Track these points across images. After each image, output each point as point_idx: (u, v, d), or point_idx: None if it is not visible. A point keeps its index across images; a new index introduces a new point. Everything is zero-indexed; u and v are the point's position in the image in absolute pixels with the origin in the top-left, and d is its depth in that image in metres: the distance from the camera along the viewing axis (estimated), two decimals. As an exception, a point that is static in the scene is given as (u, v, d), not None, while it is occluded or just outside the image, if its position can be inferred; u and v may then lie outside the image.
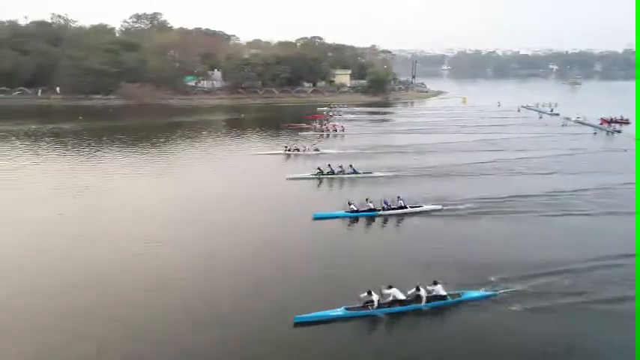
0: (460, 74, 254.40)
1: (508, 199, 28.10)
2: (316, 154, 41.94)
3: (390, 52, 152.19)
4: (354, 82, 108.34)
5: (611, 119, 62.18)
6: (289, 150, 42.42)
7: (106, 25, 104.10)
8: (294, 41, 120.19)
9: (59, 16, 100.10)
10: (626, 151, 45.25)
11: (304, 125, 58.78)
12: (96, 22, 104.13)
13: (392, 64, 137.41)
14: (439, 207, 26.18)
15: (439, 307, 16.17)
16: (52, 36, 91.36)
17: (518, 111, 79.68)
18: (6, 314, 15.76)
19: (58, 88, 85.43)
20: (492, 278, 17.80)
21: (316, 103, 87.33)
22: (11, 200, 28.09)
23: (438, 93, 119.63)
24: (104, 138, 48.78)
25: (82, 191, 29.63)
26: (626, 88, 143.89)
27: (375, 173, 34.37)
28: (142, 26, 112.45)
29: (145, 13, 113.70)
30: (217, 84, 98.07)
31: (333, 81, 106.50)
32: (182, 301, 16.52)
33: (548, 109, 78.27)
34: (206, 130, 57.30)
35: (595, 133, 56.37)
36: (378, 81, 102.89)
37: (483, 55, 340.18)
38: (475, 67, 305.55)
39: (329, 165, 34.47)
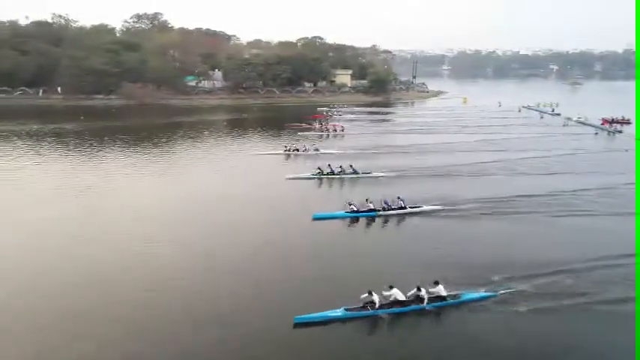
0: (460, 74, 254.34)
1: (509, 199, 28.05)
2: (316, 154, 41.90)
3: (390, 52, 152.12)
4: (354, 82, 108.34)
5: (613, 119, 62.08)
6: (289, 150, 42.38)
7: (106, 25, 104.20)
8: (294, 41, 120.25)
9: (60, 16, 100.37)
10: (627, 151, 45.19)
11: (304, 125, 58.77)
12: (96, 22, 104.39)
13: (392, 64, 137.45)
14: (440, 207, 26.13)
15: (439, 307, 16.14)
16: (52, 36, 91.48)
17: (519, 111, 79.61)
18: (6, 314, 15.75)
19: (59, 88, 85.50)
20: (493, 278, 17.77)
21: (317, 103, 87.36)
22: (13, 200, 28.10)
23: (438, 93, 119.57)
24: (106, 138, 48.81)
25: (83, 191, 29.63)
26: (626, 88, 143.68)
27: (375, 173, 34.32)
28: (143, 26, 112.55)
29: (145, 13, 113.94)
30: (218, 84, 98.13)
31: (334, 81, 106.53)
32: (182, 301, 16.51)
33: (549, 109, 78.21)
34: (207, 130, 57.35)
35: (596, 134, 56.30)
36: (379, 81, 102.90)
37: (483, 55, 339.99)
38: (475, 67, 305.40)
39: (329, 165, 34.43)
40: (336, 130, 56.12)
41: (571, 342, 14.47)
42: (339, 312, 15.48)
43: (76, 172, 34.87)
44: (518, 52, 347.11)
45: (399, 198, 26.00)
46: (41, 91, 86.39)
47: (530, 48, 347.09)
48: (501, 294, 16.68)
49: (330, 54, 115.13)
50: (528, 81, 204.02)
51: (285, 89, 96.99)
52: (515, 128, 59.87)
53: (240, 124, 63.36)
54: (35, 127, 55.76)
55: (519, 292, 16.85)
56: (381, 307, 15.75)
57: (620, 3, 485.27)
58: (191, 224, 24.05)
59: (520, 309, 15.90)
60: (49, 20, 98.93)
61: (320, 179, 33.57)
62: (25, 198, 28.40)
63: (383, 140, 51.09)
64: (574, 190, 29.91)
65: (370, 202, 25.58)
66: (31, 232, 22.68)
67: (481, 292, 16.74)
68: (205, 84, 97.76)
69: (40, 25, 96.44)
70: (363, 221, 24.97)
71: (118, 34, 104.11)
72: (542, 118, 71.94)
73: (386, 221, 24.99)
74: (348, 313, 15.52)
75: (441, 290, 16.30)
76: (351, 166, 34.52)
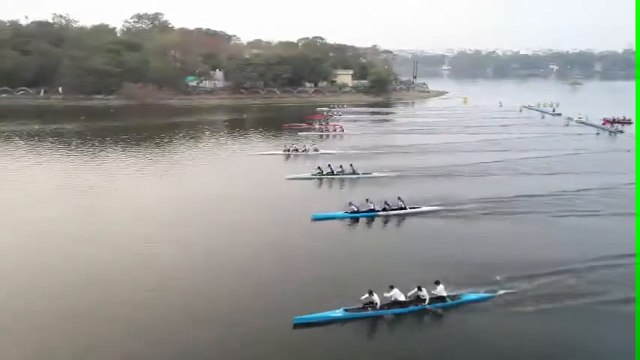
0: (460, 74, 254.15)
1: (510, 199, 28.00)
2: (316, 154, 41.86)
3: (391, 52, 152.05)
4: (355, 82, 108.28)
5: (614, 119, 61.98)
6: (289, 150, 42.33)
7: (107, 25, 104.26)
8: (295, 41, 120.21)
9: (61, 16, 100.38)
10: (629, 151, 45.12)
11: (304, 125, 58.76)
12: (96, 22, 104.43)
13: (393, 64, 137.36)
14: (440, 207, 26.06)
15: (439, 308, 16.09)
16: (53, 36, 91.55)
17: (520, 111, 79.53)
18: (6, 314, 15.74)
19: (60, 88, 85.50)
20: (493, 279, 17.72)
21: (318, 104, 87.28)
22: (13, 200, 28.10)
23: (439, 93, 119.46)
24: (107, 138, 48.86)
25: (85, 191, 29.62)
26: (626, 88, 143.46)
27: (375, 174, 34.24)
28: (144, 26, 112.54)
29: (146, 14, 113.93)
30: (219, 84, 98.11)
31: (334, 81, 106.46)
32: (182, 301, 16.50)
33: (550, 109, 78.10)
34: (208, 131, 57.38)
35: (598, 134, 56.23)
36: (380, 81, 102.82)
37: (483, 55, 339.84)
38: (475, 67, 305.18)
39: (329, 165, 34.38)
40: (335, 130, 56.06)
41: (571, 342, 14.43)
42: (338, 312, 15.46)
43: (78, 172, 34.89)
44: (519, 52, 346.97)
45: (399, 198, 25.94)
46: (42, 91, 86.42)
47: (530, 48, 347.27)
48: (501, 294, 16.65)
49: (331, 54, 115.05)
50: (528, 81, 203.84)
51: (286, 89, 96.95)
52: (516, 128, 59.80)
53: (240, 124, 63.35)
54: (36, 127, 55.86)
55: (519, 292, 16.82)
56: (381, 307, 15.72)
57: (620, 3, 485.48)
58: (191, 224, 24.03)
59: (520, 309, 15.87)
60: (50, 20, 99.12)
61: (320, 179, 33.52)
62: (25, 198, 28.39)
63: (384, 140, 51.05)
64: (575, 190, 29.84)
65: (370, 203, 25.53)
66: (32, 232, 22.69)
67: (481, 293, 16.70)
68: (206, 84, 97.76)
69: (41, 25, 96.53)
70: (363, 221, 24.92)
71: (118, 34, 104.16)
72: (543, 118, 71.86)
73: (386, 222, 24.94)
74: (348, 313, 15.50)
75: (441, 290, 16.26)
76: (351, 165, 34.46)
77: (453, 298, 16.42)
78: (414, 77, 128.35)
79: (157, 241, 21.68)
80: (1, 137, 48.76)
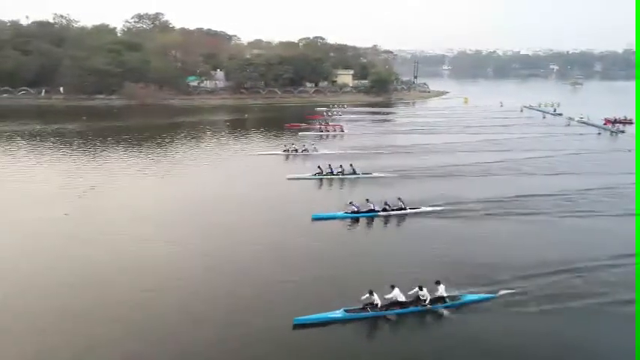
0: (461, 74, 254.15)
1: (512, 199, 27.92)
2: (316, 154, 41.80)
3: (391, 52, 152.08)
4: (356, 82, 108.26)
5: (615, 119, 61.94)
6: (288, 150, 42.28)
7: (107, 25, 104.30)
8: (296, 41, 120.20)
9: (61, 17, 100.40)
10: (630, 151, 45.08)
11: (304, 125, 58.72)
12: (96, 22, 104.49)
13: (393, 64, 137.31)
14: (441, 208, 25.99)
15: (440, 309, 16.06)
16: (54, 36, 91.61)
17: (521, 111, 79.50)
18: (5, 314, 15.72)
19: (61, 88, 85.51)
20: (493, 279, 17.70)
21: (318, 104, 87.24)
22: (13, 200, 28.08)
23: (439, 93, 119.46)
24: (109, 138, 48.87)
25: (87, 191, 29.52)
26: (626, 88, 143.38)
27: (375, 174, 34.16)
28: (144, 26, 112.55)
29: (146, 14, 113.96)
30: (220, 84, 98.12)
31: (335, 81, 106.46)
32: (180, 301, 16.46)
33: (550, 109, 78.07)
34: (209, 131, 57.47)
35: (599, 134, 56.17)
36: (381, 81, 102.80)
37: (484, 55, 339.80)
38: (475, 67, 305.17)
39: (329, 165, 34.33)
40: (335, 130, 56.07)
41: (571, 342, 14.40)
42: (338, 313, 15.41)
43: (79, 172, 34.81)
44: (519, 52, 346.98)
45: (399, 199, 25.87)
46: (43, 91, 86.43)
47: (530, 48, 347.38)
48: (502, 295, 16.60)
49: (332, 54, 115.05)
50: (529, 81, 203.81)
51: (287, 89, 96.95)
52: (517, 128, 59.73)
53: (241, 125, 63.31)
54: (38, 127, 55.95)
55: (520, 292, 16.77)
56: (382, 308, 15.66)
57: (620, 3, 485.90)
58: (190, 224, 23.98)
59: (521, 309, 15.83)
60: (51, 20, 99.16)
61: (320, 179, 33.48)
62: (24, 198, 28.35)
63: (384, 140, 50.94)
64: (577, 191, 29.75)
65: (370, 203, 25.46)
66: (29, 232, 22.65)
67: (482, 294, 16.64)
68: (207, 84, 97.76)
69: (41, 25, 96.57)
70: (363, 222, 24.86)
71: (119, 34, 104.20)
72: (544, 118, 71.79)
73: (386, 222, 24.87)
74: (348, 314, 15.44)
75: (442, 290, 16.21)
76: (351, 165, 34.41)
77: (453, 298, 16.36)
78: (415, 77, 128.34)
79: (154, 241, 21.61)
80: (2, 137, 48.80)
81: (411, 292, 16.13)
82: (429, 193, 28.79)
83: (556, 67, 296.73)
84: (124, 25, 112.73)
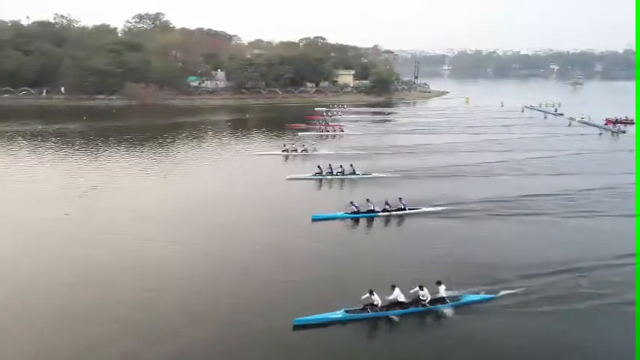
0: (461, 74, 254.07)
1: (513, 199, 27.91)
2: (316, 154, 41.76)
3: (392, 52, 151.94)
4: (357, 82, 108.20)
5: (616, 119, 61.93)
6: (287, 150, 42.23)
7: (108, 26, 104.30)
8: (297, 41, 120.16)
9: (62, 17, 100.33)
10: (632, 151, 45.08)
11: (305, 125, 58.72)
12: (97, 22, 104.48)
13: (394, 64, 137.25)
14: (441, 208, 25.93)
15: (440, 309, 16.05)
16: (55, 36, 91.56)
17: (522, 111, 79.45)
18: (5, 314, 15.74)
19: (62, 89, 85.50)
20: (494, 279, 17.69)
21: (319, 104, 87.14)
22: (14, 200, 28.10)
23: (440, 93, 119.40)
24: (110, 138, 48.90)
25: (88, 191, 29.54)
26: (627, 89, 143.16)
27: (376, 174, 34.08)
28: (145, 26, 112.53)
29: (147, 14, 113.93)
30: (221, 84, 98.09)
31: (336, 81, 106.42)
32: (181, 301, 16.47)
33: (552, 110, 78.00)
34: (211, 131, 57.48)
35: (600, 134, 56.10)
36: (381, 81, 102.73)
37: (484, 55, 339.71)
38: (476, 67, 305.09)
39: (329, 165, 34.29)
40: (335, 130, 56.05)
41: (571, 343, 14.41)
42: (339, 314, 15.40)
43: (81, 172, 34.82)
44: (519, 52, 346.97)
45: (400, 199, 25.83)
46: (44, 91, 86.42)
47: (530, 48, 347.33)
48: (503, 295, 16.59)
49: (333, 54, 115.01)
50: (529, 81, 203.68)
51: (288, 89, 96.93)
52: (518, 128, 59.70)
53: (243, 125, 63.25)
54: (39, 127, 55.97)
55: (521, 293, 16.76)
56: (382, 308, 15.64)
57: (620, 3, 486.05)
58: (190, 224, 24.00)
59: (521, 310, 15.82)
60: (52, 20, 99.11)
61: (320, 180, 33.44)
62: (25, 198, 28.38)
63: (385, 140, 50.95)
64: (578, 191, 29.75)
65: (370, 203, 25.43)
66: (30, 232, 22.68)
67: (481, 294, 16.62)
68: (208, 84, 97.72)
69: (42, 25, 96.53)
70: (363, 222, 24.83)
71: (119, 35, 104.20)
72: (545, 118, 71.71)
73: (386, 222, 24.85)
74: (349, 315, 15.42)
75: (442, 290, 16.20)
76: (351, 166, 34.37)
77: (454, 298, 16.34)
78: (416, 77, 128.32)
79: (155, 241, 21.64)
80: (4, 137, 48.83)
81: (412, 291, 16.12)
82: (430, 193, 28.76)
83: (556, 67, 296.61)
84: (124, 25, 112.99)
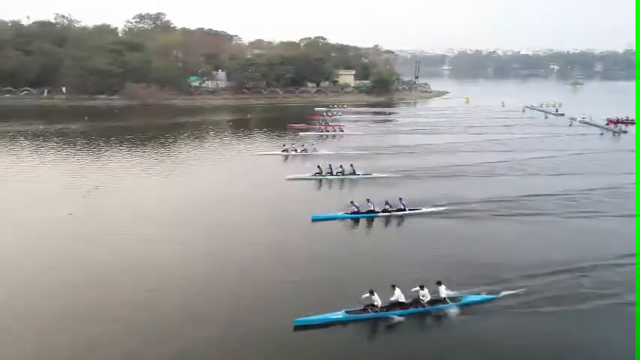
0: (461, 74, 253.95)
1: (514, 199, 27.92)
2: (315, 154, 41.75)
3: (393, 52, 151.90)
4: (357, 82, 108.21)
5: (618, 119, 61.93)
6: (287, 150, 42.22)
7: (109, 26, 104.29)
8: (297, 41, 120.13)
9: (63, 17, 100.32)
10: (633, 151, 45.11)
11: (305, 125, 58.74)
12: (98, 22, 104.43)
13: (395, 64, 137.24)
14: (442, 208, 25.91)
15: (441, 310, 16.05)
16: (56, 36, 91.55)
17: (523, 111, 79.45)
18: (6, 314, 15.76)
19: (64, 89, 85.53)
20: (495, 280, 17.68)
21: (320, 104, 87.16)
22: (16, 200, 28.13)
23: (440, 93, 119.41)
24: (112, 138, 48.97)
25: (91, 191, 29.56)
26: (627, 89, 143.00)
27: (376, 174, 34.06)
28: (145, 26, 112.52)
29: (148, 14, 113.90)
30: (222, 84, 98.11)
31: (336, 81, 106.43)
32: (182, 301, 16.50)
33: (552, 110, 77.96)
34: (212, 131, 57.53)
35: (602, 134, 56.10)
36: (382, 81, 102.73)
37: (484, 55, 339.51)
38: (476, 67, 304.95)
39: (329, 165, 34.28)
40: (335, 130, 56.04)
41: (571, 343, 14.42)
42: (339, 314, 15.40)
43: (83, 172, 34.88)
44: (519, 52, 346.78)
45: (400, 199, 25.81)
46: (46, 91, 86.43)
47: (530, 48, 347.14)
48: (504, 295, 16.59)
49: (333, 54, 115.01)
50: (529, 81, 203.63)
51: (289, 89, 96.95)
52: (519, 128, 59.70)
53: (244, 125, 63.29)
54: (41, 127, 56.01)
55: (522, 293, 16.76)
56: (383, 309, 15.64)
57: (620, 3, 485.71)
58: (191, 224, 24.03)
59: (522, 310, 15.83)
60: (52, 20, 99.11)
61: (320, 180, 33.43)
62: (31, 197, 28.41)
63: (385, 140, 50.96)
64: (580, 191, 29.75)
65: (370, 204, 25.42)
66: (32, 232, 22.70)
67: (482, 295, 16.62)
68: (209, 84, 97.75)
69: (43, 25, 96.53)
70: (363, 222, 24.83)
71: (120, 35, 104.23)
72: (546, 118, 71.70)
73: (387, 222, 24.84)
74: (349, 315, 15.43)
75: (442, 291, 16.20)
76: (351, 166, 34.35)
77: (454, 299, 16.33)
78: (416, 77, 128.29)
79: (157, 241, 21.66)
80: (6, 137, 48.88)
81: (412, 290, 16.13)
82: (431, 193, 28.75)
83: (556, 67, 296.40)
84: (125, 25, 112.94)
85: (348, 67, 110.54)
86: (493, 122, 65.42)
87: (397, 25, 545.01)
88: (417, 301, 16.02)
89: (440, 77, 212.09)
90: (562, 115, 72.38)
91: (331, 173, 33.85)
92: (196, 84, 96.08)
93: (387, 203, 25.42)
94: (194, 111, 76.62)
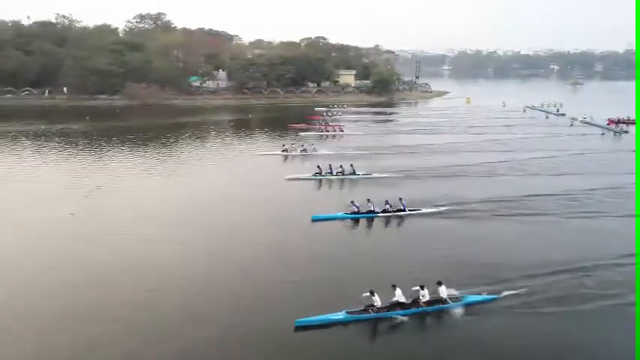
0: (461, 74, 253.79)
1: (515, 199, 27.90)
2: (315, 154, 41.72)
3: (393, 52, 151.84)
4: (358, 82, 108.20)
5: (619, 119, 61.88)
6: (287, 150, 42.21)
7: (109, 26, 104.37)
8: (298, 41, 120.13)
9: (63, 17, 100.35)
10: (634, 151, 45.06)
11: (306, 125, 58.76)
12: (98, 22, 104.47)
13: (395, 64, 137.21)
14: (442, 209, 25.87)
15: (441, 310, 16.03)
16: (56, 36, 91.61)
17: (524, 111, 79.39)
18: (6, 314, 15.76)
19: (65, 89, 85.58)
20: (496, 280, 17.66)
21: (321, 104, 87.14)
22: (17, 200, 28.16)
23: (441, 93, 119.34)
24: (114, 138, 49.02)
25: (93, 191, 29.58)
26: (627, 89, 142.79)
27: (375, 174, 34.03)
28: (146, 26, 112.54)
29: (148, 14, 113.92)
30: (222, 84, 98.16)
31: (337, 81, 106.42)
32: (182, 301, 16.49)
33: (553, 110, 77.90)
34: (214, 131, 57.60)
35: (603, 134, 56.07)
36: (383, 81, 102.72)
37: (484, 55, 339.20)
38: (476, 67, 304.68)
39: (329, 165, 34.25)
40: (335, 130, 56.02)
41: (571, 343, 14.41)
42: (340, 315, 15.38)
43: (85, 172, 34.93)
44: (519, 52, 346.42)
45: (400, 199, 25.77)
46: (47, 91, 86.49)
47: (530, 48, 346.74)
48: (504, 295, 16.57)
49: (334, 54, 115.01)
50: (529, 81, 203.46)
51: (289, 89, 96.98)
52: (520, 128, 59.66)
53: (245, 125, 63.30)
54: (43, 127, 56.05)
55: (522, 293, 16.74)
56: (383, 309, 15.62)
57: (620, 3, 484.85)
58: (192, 224, 24.03)
59: (523, 310, 15.81)
60: (53, 20, 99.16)
61: (320, 180, 33.40)
62: (32, 197, 28.44)
63: (386, 140, 50.94)
64: (581, 191, 29.73)
65: (370, 204, 25.39)
66: (32, 232, 22.71)
67: (483, 295, 16.59)
68: (209, 84, 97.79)
69: (43, 25, 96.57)
70: (363, 222, 24.81)
71: (121, 35, 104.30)
72: (547, 118, 71.65)
73: (387, 222, 24.82)
74: (350, 316, 15.41)
75: (443, 291, 16.17)
76: (351, 166, 34.32)
77: (455, 299, 16.30)
78: (417, 77, 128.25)
79: (157, 240, 21.67)
80: (8, 137, 48.92)
81: (413, 289, 16.11)
82: (431, 193, 28.73)
83: (556, 67, 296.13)
84: (125, 25, 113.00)
85: (348, 67, 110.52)
86: (494, 122, 65.40)
87: (397, 25, 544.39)
88: (417, 302, 16.00)
89: (440, 77, 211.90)
90: (563, 115, 72.32)
91: (331, 173, 33.82)
92: (197, 84, 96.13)
93: (387, 203, 25.39)
94: (195, 111, 76.65)
